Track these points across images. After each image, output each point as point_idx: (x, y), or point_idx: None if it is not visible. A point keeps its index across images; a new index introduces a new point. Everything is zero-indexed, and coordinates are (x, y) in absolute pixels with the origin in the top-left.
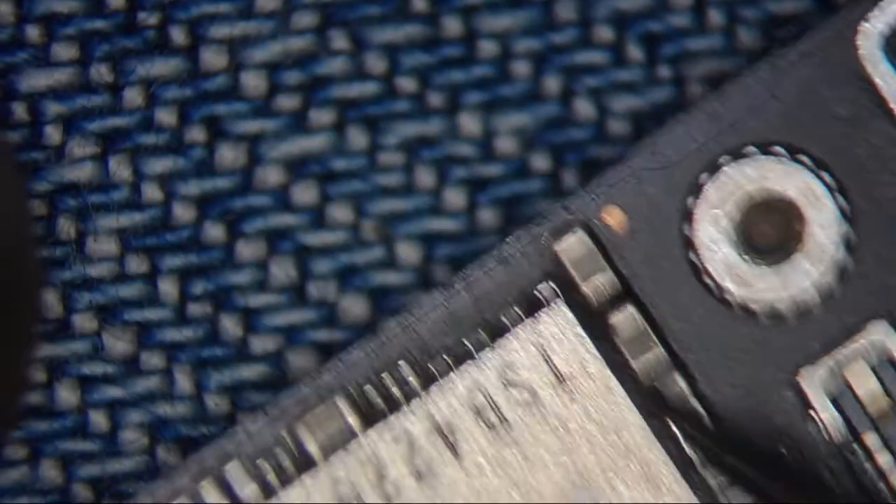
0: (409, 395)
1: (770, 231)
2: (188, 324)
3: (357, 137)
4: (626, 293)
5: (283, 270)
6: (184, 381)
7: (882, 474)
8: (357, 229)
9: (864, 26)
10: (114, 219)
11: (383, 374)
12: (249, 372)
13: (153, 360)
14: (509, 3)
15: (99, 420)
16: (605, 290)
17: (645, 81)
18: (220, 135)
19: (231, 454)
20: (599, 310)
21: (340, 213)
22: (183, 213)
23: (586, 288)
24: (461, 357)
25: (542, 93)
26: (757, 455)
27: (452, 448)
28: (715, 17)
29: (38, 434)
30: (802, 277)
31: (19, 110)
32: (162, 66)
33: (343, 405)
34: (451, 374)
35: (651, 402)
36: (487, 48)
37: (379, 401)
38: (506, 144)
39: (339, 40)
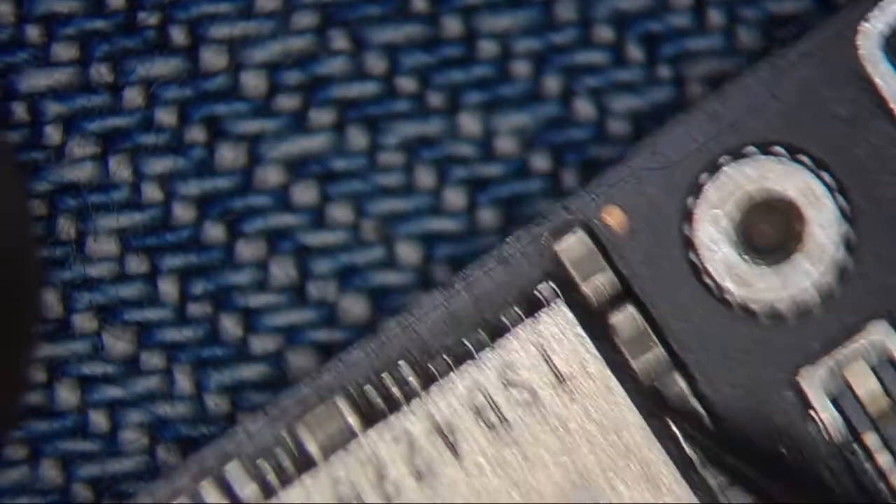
0: (409, 395)
1: (770, 231)
2: (188, 324)
3: (357, 137)
4: (626, 293)
5: (283, 270)
6: (184, 381)
7: (882, 474)
8: (357, 229)
9: (864, 26)
10: (114, 219)
11: (383, 374)
12: (249, 372)
13: (153, 360)
14: (509, 3)
15: (99, 420)
16: (605, 290)
17: (645, 81)
18: (220, 135)
19: (231, 454)
20: (599, 310)
21: (340, 213)
22: (183, 213)
23: (586, 288)
24: (461, 357)
25: (542, 93)
26: (757, 455)
27: (452, 448)
28: (715, 17)
29: (38, 434)
30: (802, 277)
31: (19, 110)
32: (162, 66)
33: (343, 405)
34: (451, 374)
35: (651, 402)
36: (487, 48)
37: (379, 401)
38: (506, 144)
39: (339, 40)
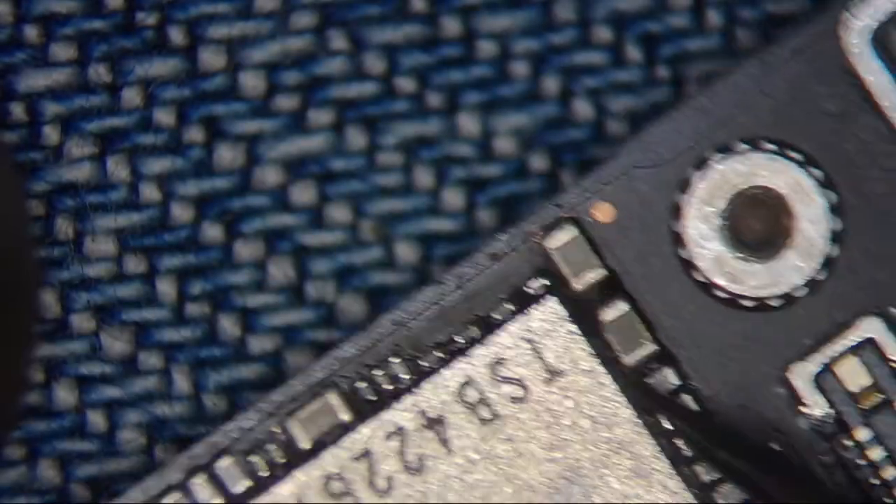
0: (401, 390)
1: (759, 226)
2: (186, 324)
3: (356, 137)
4: (616, 289)
5: (281, 270)
6: (182, 381)
7: (874, 468)
8: (355, 229)
9: (853, 22)
10: (112, 219)
11: (375, 370)
12: (247, 372)
13: (151, 360)
14: (508, 4)
15: (97, 420)
16: (595, 286)
17: (643, 82)
18: (219, 135)
19: (223, 449)
20: (590, 306)
21: (339, 213)
22: (181, 213)
23: (577, 284)
24: (452, 352)
25: (540, 93)
26: (748, 450)
27: (444, 443)
28: (713, 17)
29: (36, 434)
30: (792, 272)
31: (18, 110)
32: (160, 67)
33: (334, 400)
34: (443, 369)
35: (642, 397)
36: (486, 48)
37: (370, 396)
38: (504, 145)
39: (338, 40)
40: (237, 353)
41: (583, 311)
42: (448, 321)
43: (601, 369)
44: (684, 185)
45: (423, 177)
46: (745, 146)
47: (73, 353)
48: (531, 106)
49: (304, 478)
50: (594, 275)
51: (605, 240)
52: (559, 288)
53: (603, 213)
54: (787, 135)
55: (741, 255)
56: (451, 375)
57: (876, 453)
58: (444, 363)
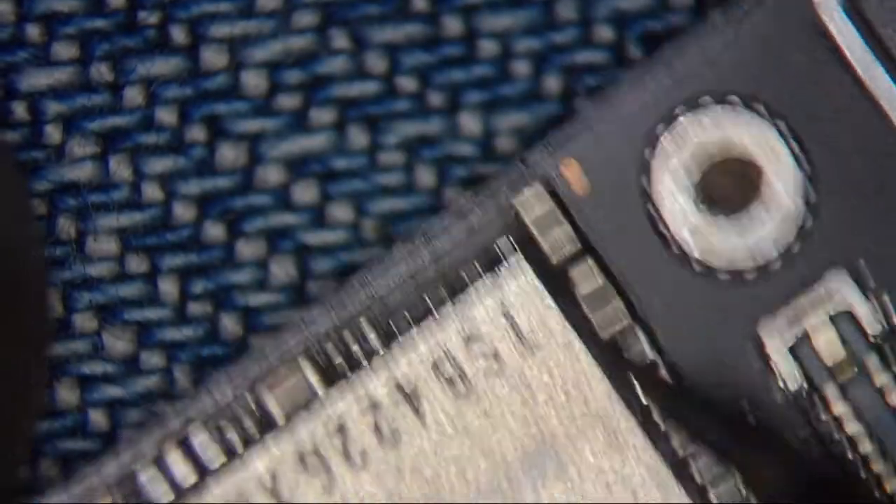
0: (371, 354)
1: (727, 181)
2: (188, 323)
3: (357, 137)
4: (585, 248)
5: (283, 270)
6: (184, 381)
7: (839, 424)
8: (357, 228)
9: None
10: (114, 218)
11: (345, 334)
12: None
13: (153, 359)
14: (509, 3)
15: (99, 419)
16: (564, 245)
17: None
18: (221, 134)
19: (196, 422)
20: (559, 265)
21: (341, 212)
22: (183, 212)
23: (546, 243)
24: (422, 314)
25: (542, 92)
26: (724, 423)
27: (419, 416)
28: (714, 17)
29: (37, 434)
30: (760, 227)
31: (19, 109)
32: (162, 65)
33: (305, 367)
34: (414, 335)
35: (612, 357)
36: (487, 48)
37: (341, 361)
38: (506, 144)
39: (340, 39)
40: (239, 352)
41: (551, 270)
42: (417, 283)
43: (570, 329)
44: (652, 141)
45: (425, 176)
46: (711, 101)
47: (74, 352)
48: (532, 105)
49: (278, 452)
50: (562, 233)
51: (573, 198)
52: (528, 247)
53: (570, 170)
54: (753, 89)
55: (709, 210)
56: (427, 348)
57: (852, 426)
58: (420, 337)
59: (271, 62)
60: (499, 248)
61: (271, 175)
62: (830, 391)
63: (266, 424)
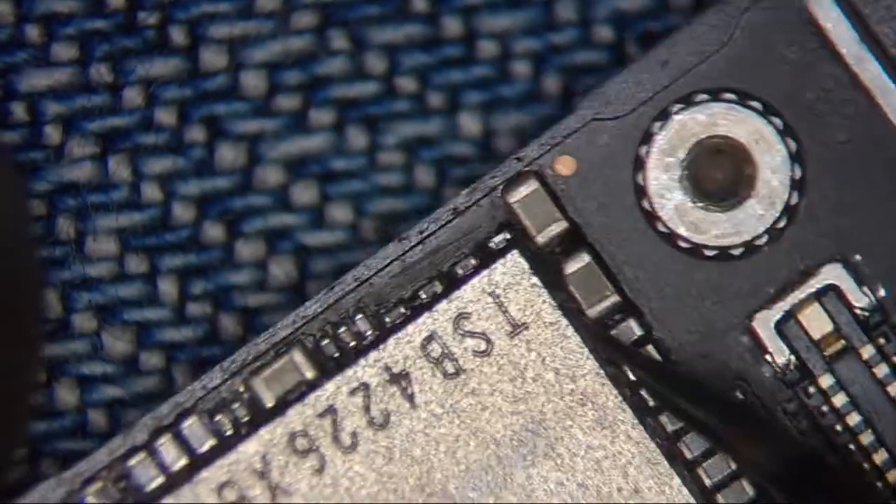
0: (365, 346)
1: (721, 176)
2: (187, 323)
3: (357, 137)
4: (579, 241)
5: (282, 270)
6: (183, 381)
7: (837, 415)
8: (357, 229)
9: None
10: (113, 219)
11: (339, 327)
12: None
13: (152, 359)
14: (509, 3)
15: (98, 420)
16: (558, 239)
17: None
18: (220, 135)
19: (187, 409)
20: (554, 259)
21: (340, 212)
22: (182, 212)
23: (540, 237)
24: (417, 308)
25: (541, 93)
26: (712, 399)
27: (409, 398)
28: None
29: (37, 434)
30: (755, 221)
31: (19, 110)
32: (162, 66)
33: (299, 358)
34: (407, 325)
35: (606, 349)
36: (487, 48)
37: (335, 353)
38: (505, 144)
39: (339, 40)
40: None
41: (546, 264)
42: (411, 277)
43: (564, 321)
44: (645, 137)
45: (424, 176)
46: (705, 97)
47: (74, 352)
48: (532, 105)
49: (268, 436)
50: (557, 227)
51: (568, 193)
52: (522, 242)
53: (564, 165)
54: (747, 85)
55: (703, 205)
56: (415, 330)
57: (839, 400)
58: (408, 319)
59: (270, 63)
60: (493, 242)
61: (270, 176)
62: (818, 366)
63: (257, 410)
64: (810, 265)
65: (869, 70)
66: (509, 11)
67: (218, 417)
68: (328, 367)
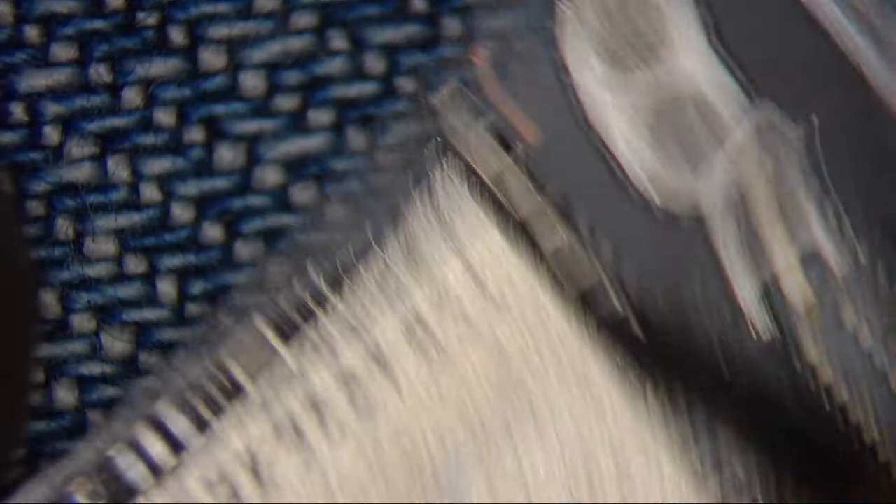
0: (325, 306)
1: (637, 32)
2: (186, 324)
3: (356, 138)
4: (551, 207)
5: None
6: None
7: (811, 366)
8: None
9: None
10: (112, 219)
11: (316, 308)
12: None
13: (151, 360)
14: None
15: (97, 420)
16: (529, 206)
17: None
18: (219, 135)
19: (163, 396)
20: (526, 226)
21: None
22: (181, 213)
23: (511, 205)
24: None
25: None
26: (696, 370)
27: (391, 378)
28: None
29: (36, 434)
30: (714, 166)
31: (18, 110)
32: (161, 67)
33: (277, 343)
34: (381, 300)
35: (589, 324)
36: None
37: (301, 321)
38: None
39: (338, 40)
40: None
41: (525, 241)
42: (377, 247)
43: (538, 287)
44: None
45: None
46: None
47: (73, 352)
48: None
49: (255, 429)
50: (527, 195)
51: (533, 158)
52: (493, 210)
53: (523, 125)
54: None
55: (621, 66)
56: (390, 308)
57: (824, 364)
58: (381, 295)
59: (270, 63)
60: (457, 203)
61: (269, 176)
62: (802, 333)
63: (234, 392)
64: (782, 213)
65: None
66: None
67: (196, 405)
68: (306, 350)
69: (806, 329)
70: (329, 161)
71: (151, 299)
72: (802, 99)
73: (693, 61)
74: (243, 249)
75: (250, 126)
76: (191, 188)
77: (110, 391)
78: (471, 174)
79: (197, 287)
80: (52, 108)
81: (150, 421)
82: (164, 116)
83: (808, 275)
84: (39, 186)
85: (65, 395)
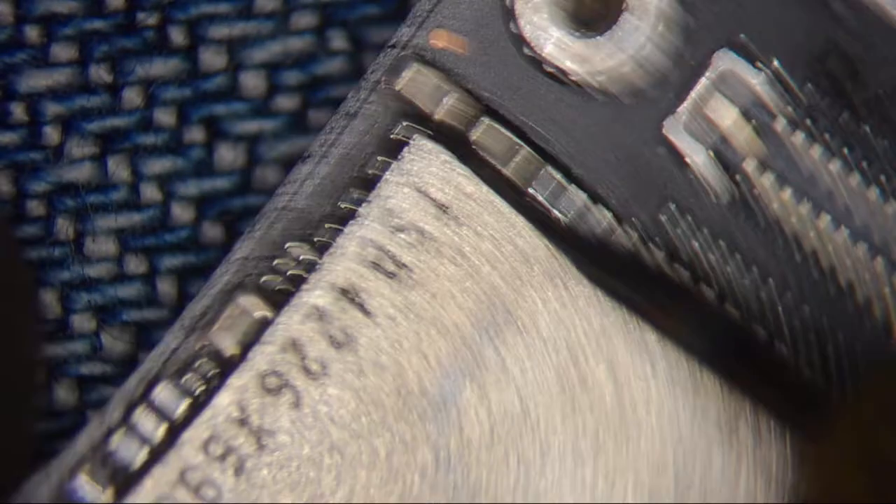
0: (305, 271)
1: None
2: None
3: None
4: (479, 108)
5: None
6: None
7: (766, 198)
8: None
9: None
10: (112, 219)
11: (274, 260)
12: None
13: None
14: None
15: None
16: (458, 111)
17: None
18: (219, 135)
19: (154, 377)
20: (460, 132)
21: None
22: (181, 213)
23: (440, 115)
24: (342, 220)
25: None
26: (638, 261)
27: (362, 309)
28: None
29: (37, 434)
30: (635, 34)
31: (18, 110)
32: (161, 67)
33: (247, 300)
34: (338, 238)
35: (531, 204)
36: None
37: (280, 285)
38: None
39: (339, 40)
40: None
41: (454, 139)
42: (327, 191)
43: (486, 188)
44: None
45: None
46: None
47: (73, 353)
48: None
49: (239, 382)
50: (452, 101)
51: (450, 64)
52: (423, 124)
53: (439, 38)
54: None
55: (582, 33)
56: (347, 241)
57: (767, 180)
58: (337, 232)
59: (270, 63)
60: (397, 134)
61: (270, 176)
62: (750, 169)
63: (222, 361)
64: (699, 57)
65: None
66: None
67: (185, 378)
68: (278, 301)
69: (751, 161)
70: None
71: (151, 299)
72: None
73: None
74: None
75: (250, 126)
76: (191, 188)
77: (111, 391)
78: (413, 108)
79: (197, 287)
80: (52, 108)
81: (140, 401)
82: (164, 116)
83: (725, 94)
84: (39, 186)
85: (65, 395)
